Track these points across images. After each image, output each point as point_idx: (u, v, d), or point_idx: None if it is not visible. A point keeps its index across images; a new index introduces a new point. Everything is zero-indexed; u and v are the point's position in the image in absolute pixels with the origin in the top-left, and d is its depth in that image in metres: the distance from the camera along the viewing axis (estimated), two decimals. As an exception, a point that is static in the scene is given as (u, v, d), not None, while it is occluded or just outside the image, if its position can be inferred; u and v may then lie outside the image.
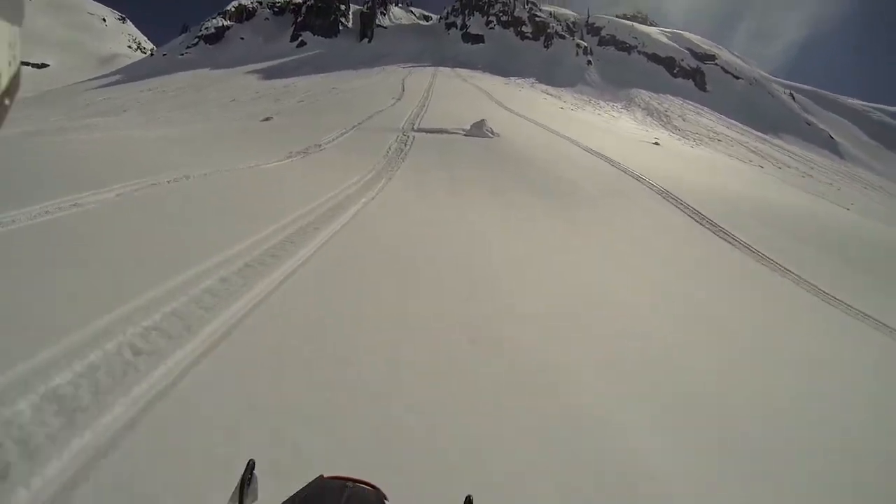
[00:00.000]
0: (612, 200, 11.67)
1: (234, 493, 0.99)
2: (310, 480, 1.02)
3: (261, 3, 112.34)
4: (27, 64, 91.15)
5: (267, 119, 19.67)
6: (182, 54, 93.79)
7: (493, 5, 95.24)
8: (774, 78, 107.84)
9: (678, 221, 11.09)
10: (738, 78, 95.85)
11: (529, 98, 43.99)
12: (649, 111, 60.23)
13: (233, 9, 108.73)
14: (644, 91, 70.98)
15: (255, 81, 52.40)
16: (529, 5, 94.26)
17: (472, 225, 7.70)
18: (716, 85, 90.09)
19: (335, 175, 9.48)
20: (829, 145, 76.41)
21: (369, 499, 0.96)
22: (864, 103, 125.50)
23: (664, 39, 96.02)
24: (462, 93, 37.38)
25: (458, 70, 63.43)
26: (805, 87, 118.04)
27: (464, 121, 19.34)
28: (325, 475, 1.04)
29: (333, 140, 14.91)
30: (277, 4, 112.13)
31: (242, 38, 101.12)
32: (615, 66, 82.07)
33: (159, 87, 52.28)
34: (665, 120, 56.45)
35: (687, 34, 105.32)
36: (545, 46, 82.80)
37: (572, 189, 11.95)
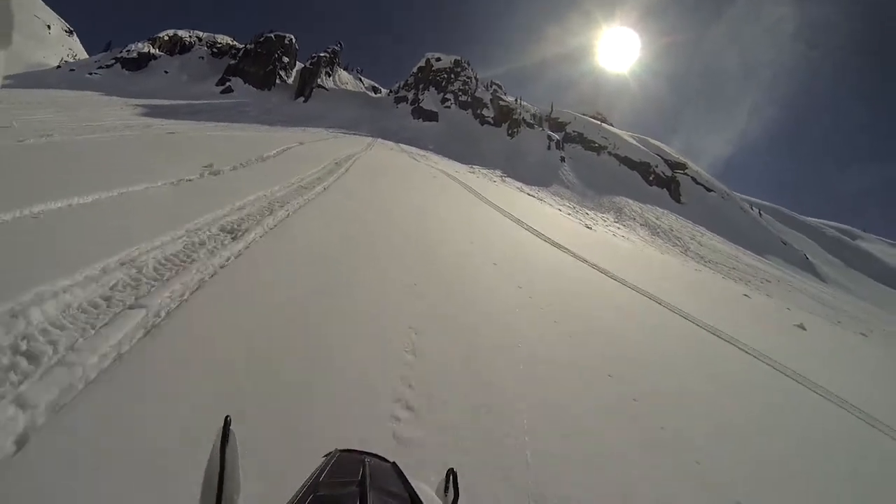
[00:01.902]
0: None
1: (212, 451, 0.98)
2: (327, 454, 1.07)
3: (199, 40, 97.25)
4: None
5: None
6: (91, 73, 76.77)
7: (453, 82, 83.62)
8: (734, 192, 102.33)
9: None
10: (710, 190, 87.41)
11: (521, 199, 28.81)
12: (650, 228, 46.84)
13: (166, 37, 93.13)
14: (629, 199, 58.54)
15: (129, 116, 34.65)
16: (493, 87, 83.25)
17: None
18: (690, 196, 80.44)
19: None
20: (807, 267, 67.62)
21: (389, 471, 0.99)
22: (818, 220, 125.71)
23: (635, 143, 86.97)
24: (419, 176, 21.50)
25: (403, 146, 48.50)
26: (762, 202, 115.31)
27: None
28: (341, 448, 1.09)
29: None
30: (218, 45, 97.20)
31: (167, 72, 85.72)
32: (586, 167, 70.35)
33: (15, 99, 35.11)
34: (678, 242, 42.86)
35: (654, 141, 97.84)
36: (509, 134, 70.35)
37: None
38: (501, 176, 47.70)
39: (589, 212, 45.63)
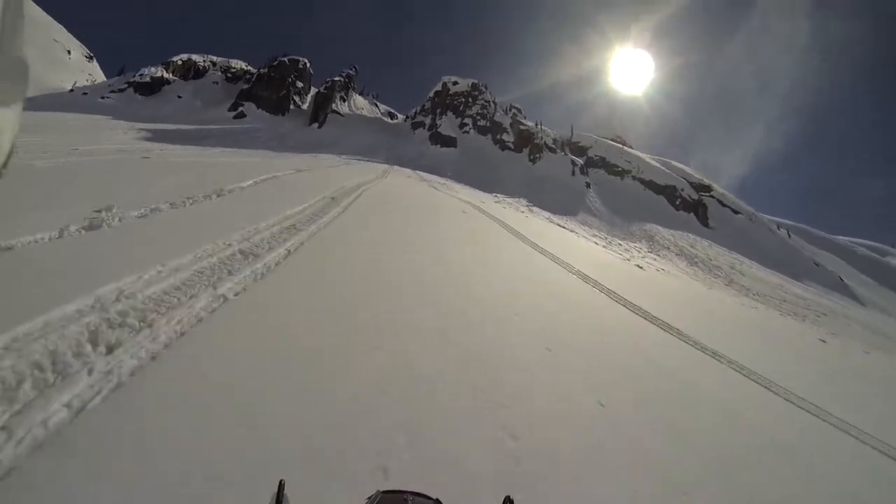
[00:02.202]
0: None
1: None
2: (369, 496, 1.06)
3: (214, 65, 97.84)
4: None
5: None
6: (103, 97, 76.80)
7: (471, 106, 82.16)
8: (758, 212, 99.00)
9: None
10: (737, 213, 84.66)
11: (555, 233, 26.69)
12: (687, 257, 44.40)
13: (180, 62, 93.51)
14: (659, 227, 56.21)
15: (130, 140, 32.66)
16: (513, 111, 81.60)
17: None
18: (717, 220, 77.76)
19: None
20: (842, 289, 64.42)
21: None
22: (847, 238, 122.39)
23: (658, 166, 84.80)
24: (444, 210, 18.73)
25: (421, 174, 47.04)
26: (786, 221, 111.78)
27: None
28: (383, 490, 1.09)
29: None
30: (233, 70, 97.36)
31: (180, 97, 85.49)
32: (611, 192, 68.13)
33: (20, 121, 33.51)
34: (720, 273, 40.35)
35: (675, 163, 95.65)
36: (531, 160, 68.37)
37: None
38: (528, 205, 45.76)
39: (621, 241, 43.44)
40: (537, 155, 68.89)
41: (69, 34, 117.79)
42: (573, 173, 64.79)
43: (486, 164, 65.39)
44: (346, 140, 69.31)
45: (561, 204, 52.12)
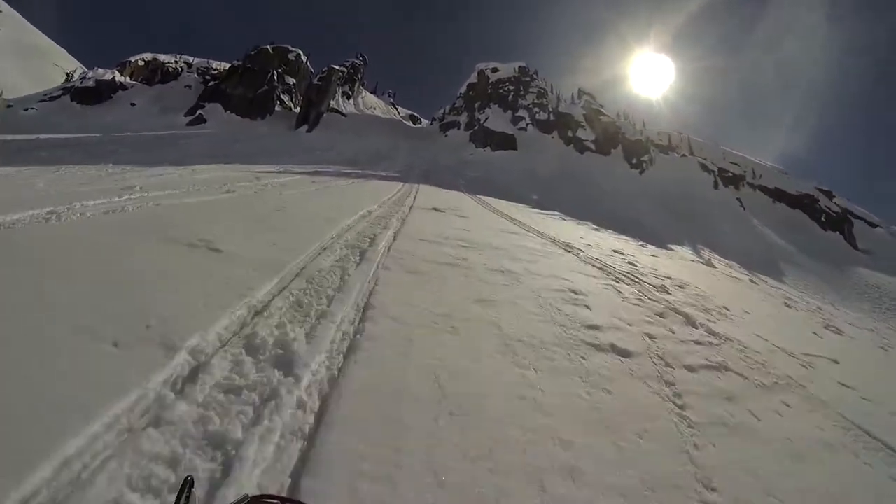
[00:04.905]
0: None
1: None
2: (235, 500, 1.00)
3: (189, 66, 74.44)
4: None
5: None
6: (27, 109, 55.69)
7: (523, 96, 60.62)
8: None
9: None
10: (873, 226, 63.98)
11: None
12: None
13: (141, 62, 71.36)
14: (875, 272, 35.62)
15: None
16: (585, 97, 59.91)
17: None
18: (864, 239, 57.03)
19: None
20: None
21: None
22: None
23: (774, 166, 64.03)
24: None
25: (485, 199, 22.86)
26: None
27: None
28: (251, 495, 1.02)
29: None
30: (213, 71, 73.79)
31: (133, 104, 61.96)
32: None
33: None
34: None
35: (769, 162, 74.85)
36: (634, 166, 46.95)
37: None
38: (708, 253, 24.75)
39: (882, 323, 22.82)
40: (644, 159, 47.50)
41: (70, 56, 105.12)
42: (716, 186, 43.54)
43: (570, 173, 44.14)
44: (345, 144, 46.14)
45: (735, 246, 31.07)
